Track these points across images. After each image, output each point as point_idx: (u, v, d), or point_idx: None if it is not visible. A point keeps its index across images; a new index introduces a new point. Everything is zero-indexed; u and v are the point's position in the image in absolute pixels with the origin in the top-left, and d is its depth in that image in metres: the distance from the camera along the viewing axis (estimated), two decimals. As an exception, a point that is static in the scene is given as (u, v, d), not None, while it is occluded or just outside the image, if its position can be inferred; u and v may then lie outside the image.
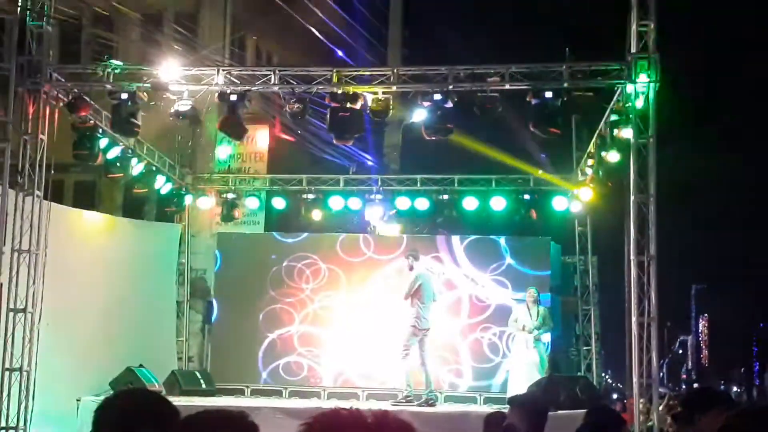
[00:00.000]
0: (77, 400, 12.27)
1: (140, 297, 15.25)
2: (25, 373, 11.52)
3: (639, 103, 11.23)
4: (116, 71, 12.22)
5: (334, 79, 11.92)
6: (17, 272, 11.70)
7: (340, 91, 11.81)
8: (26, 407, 11.48)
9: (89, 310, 14.03)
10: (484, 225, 16.29)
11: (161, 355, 15.46)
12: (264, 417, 10.29)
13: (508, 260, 15.45)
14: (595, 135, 13.66)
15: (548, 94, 11.48)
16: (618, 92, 11.77)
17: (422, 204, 15.85)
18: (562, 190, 15.72)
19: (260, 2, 20.39)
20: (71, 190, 18.32)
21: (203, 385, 14.45)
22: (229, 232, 16.88)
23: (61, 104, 12.38)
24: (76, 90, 12.28)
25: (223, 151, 18.37)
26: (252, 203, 16.60)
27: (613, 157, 12.65)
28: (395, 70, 12.24)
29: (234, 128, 12.46)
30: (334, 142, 12.17)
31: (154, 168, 15.02)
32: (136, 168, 14.27)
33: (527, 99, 11.56)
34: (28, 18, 11.90)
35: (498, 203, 15.52)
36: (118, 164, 13.74)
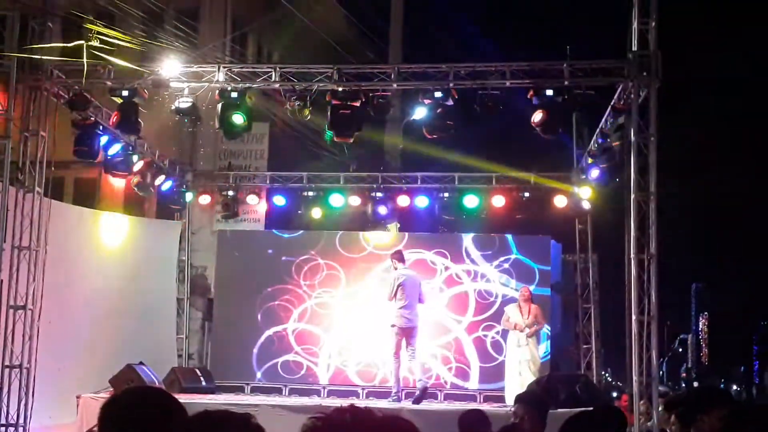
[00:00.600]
0: (77, 398, 12.24)
1: (140, 294, 15.26)
2: (25, 370, 11.52)
3: (640, 101, 11.23)
4: (117, 68, 12.22)
5: (335, 77, 11.93)
6: (17, 269, 11.71)
7: (340, 89, 11.82)
8: (26, 404, 11.48)
9: (89, 308, 14.03)
10: (485, 223, 16.29)
11: (161, 353, 15.47)
12: (265, 414, 10.29)
13: (514, 256, 15.49)
14: (596, 133, 13.67)
15: (549, 92, 11.50)
16: (619, 90, 11.78)
17: (422, 202, 15.88)
18: (563, 189, 15.71)
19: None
20: (72, 187, 18.31)
21: (203, 383, 14.45)
22: (229, 229, 16.89)
23: (62, 101, 12.38)
24: (77, 87, 12.27)
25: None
26: (252, 200, 16.60)
27: (613, 155, 12.64)
28: (396, 68, 12.25)
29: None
30: (335, 139, 12.16)
31: (154, 165, 15.02)
32: (137, 165, 14.28)
33: (528, 97, 11.57)
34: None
35: (498, 201, 15.55)
36: (119, 161, 13.76)
